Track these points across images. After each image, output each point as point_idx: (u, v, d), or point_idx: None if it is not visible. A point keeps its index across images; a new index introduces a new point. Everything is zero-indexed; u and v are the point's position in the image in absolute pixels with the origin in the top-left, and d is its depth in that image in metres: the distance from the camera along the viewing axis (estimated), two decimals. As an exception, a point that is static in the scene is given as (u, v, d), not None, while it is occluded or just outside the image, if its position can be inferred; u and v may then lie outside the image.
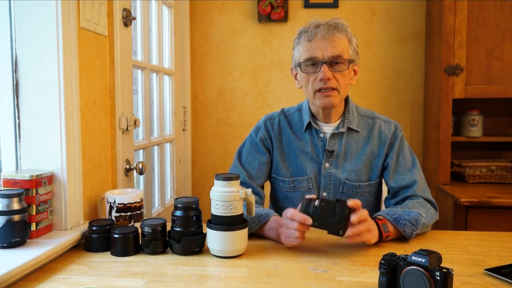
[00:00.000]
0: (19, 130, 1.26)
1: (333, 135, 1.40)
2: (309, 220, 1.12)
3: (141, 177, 1.94)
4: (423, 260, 0.83)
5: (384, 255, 0.90)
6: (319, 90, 1.32)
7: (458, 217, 1.99)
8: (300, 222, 1.13)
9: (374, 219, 1.22)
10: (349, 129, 1.41)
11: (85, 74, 1.35)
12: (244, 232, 1.14)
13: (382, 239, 1.21)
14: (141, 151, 1.97)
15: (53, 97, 1.23)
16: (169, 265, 1.08)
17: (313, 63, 1.32)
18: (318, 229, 1.15)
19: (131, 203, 1.31)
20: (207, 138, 2.68)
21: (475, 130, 2.28)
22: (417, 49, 2.56)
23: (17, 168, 1.27)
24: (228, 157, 2.66)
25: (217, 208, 1.13)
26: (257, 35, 2.60)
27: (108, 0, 1.50)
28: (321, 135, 1.41)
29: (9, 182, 1.16)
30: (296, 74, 1.41)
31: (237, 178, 1.14)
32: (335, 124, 1.42)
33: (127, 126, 1.61)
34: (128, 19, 1.63)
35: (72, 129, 1.26)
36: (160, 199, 2.19)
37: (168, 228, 1.19)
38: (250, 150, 1.47)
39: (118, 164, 1.57)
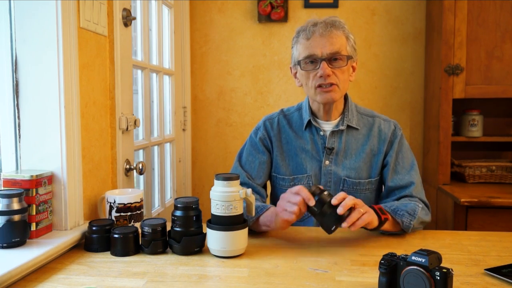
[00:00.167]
0: (19, 130, 1.26)
1: (333, 132, 1.42)
2: (312, 201, 1.13)
3: (141, 177, 1.94)
4: (423, 260, 0.83)
5: (384, 255, 0.90)
6: (319, 86, 1.34)
7: (458, 217, 1.99)
8: (303, 199, 1.14)
9: (371, 207, 1.23)
10: (348, 127, 1.42)
11: (85, 74, 1.35)
12: (244, 232, 1.14)
13: (381, 222, 1.21)
14: (141, 151, 1.97)
15: (53, 97, 1.23)
16: (169, 265, 1.08)
17: (312, 60, 1.34)
18: (313, 217, 1.16)
19: (131, 203, 1.31)
20: (207, 138, 2.68)
21: (475, 130, 2.28)
22: (417, 49, 2.56)
23: (17, 168, 1.27)
24: (228, 157, 2.66)
25: (217, 208, 1.13)
26: (257, 35, 2.60)
27: (108, 0, 1.50)
28: (321, 133, 1.43)
29: (9, 182, 1.16)
30: (296, 72, 1.44)
31: (237, 178, 1.14)
32: (335, 121, 1.43)
33: (127, 126, 1.61)
34: (128, 19, 1.63)
35: (72, 129, 1.26)
36: (160, 199, 2.19)
37: (168, 228, 1.19)
38: (250, 151, 1.48)
39: (118, 164, 1.57)
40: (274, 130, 1.48)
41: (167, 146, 2.34)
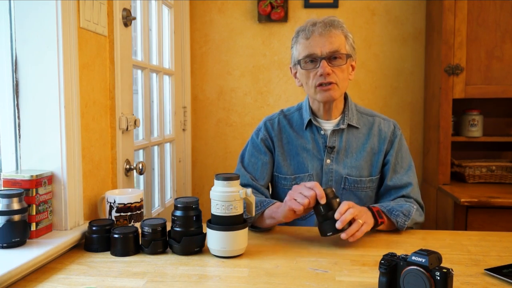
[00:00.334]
0: (19, 130, 1.26)
1: (333, 131, 1.43)
2: (324, 200, 1.16)
3: (141, 177, 1.94)
4: (423, 260, 0.83)
5: (384, 255, 0.90)
6: (320, 85, 1.36)
7: (458, 217, 1.99)
8: (316, 194, 1.16)
9: (369, 208, 1.27)
10: (349, 125, 1.44)
11: (85, 74, 1.35)
12: (244, 232, 1.14)
13: (376, 225, 1.25)
14: (141, 151, 1.97)
15: (53, 97, 1.23)
16: (169, 265, 1.08)
17: (312, 59, 1.36)
18: (316, 215, 1.19)
19: (131, 203, 1.31)
20: (207, 138, 2.68)
21: (475, 130, 2.28)
22: (417, 49, 2.56)
23: (17, 168, 1.27)
24: (228, 157, 2.66)
25: (217, 208, 1.13)
26: (257, 35, 2.60)
27: (108, 0, 1.50)
28: (322, 132, 1.44)
29: (9, 182, 1.16)
30: (296, 72, 1.45)
31: (237, 178, 1.14)
32: (336, 121, 1.45)
33: (127, 126, 1.61)
34: (128, 19, 1.63)
35: (72, 129, 1.26)
36: (160, 199, 2.19)
37: (168, 228, 1.19)
38: (252, 152, 1.50)
39: (118, 164, 1.57)
40: (275, 130, 1.49)
41: (167, 146, 2.34)
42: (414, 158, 1.70)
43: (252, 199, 1.17)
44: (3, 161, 1.28)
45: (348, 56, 1.37)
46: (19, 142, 1.26)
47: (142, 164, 1.67)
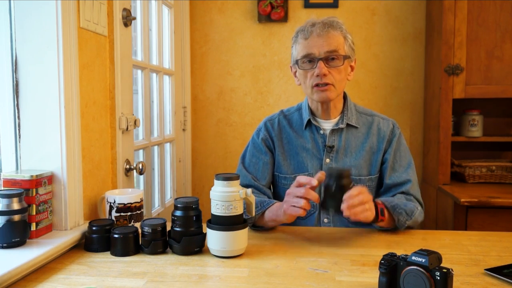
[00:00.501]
0: (19, 130, 1.26)
1: (332, 131, 1.44)
2: (315, 181, 1.17)
3: (141, 177, 1.94)
4: (423, 260, 0.83)
5: (384, 255, 0.90)
6: (316, 85, 1.37)
7: (458, 217, 1.99)
8: (307, 186, 1.17)
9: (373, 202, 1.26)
10: (348, 125, 1.45)
11: (85, 74, 1.35)
12: (244, 232, 1.14)
13: (376, 221, 1.25)
14: (141, 151, 1.97)
15: (53, 97, 1.23)
16: (169, 265, 1.08)
17: (310, 59, 1.37)
18: (324, 191, 1.18)
19: (131, 203, 1.31)
20: (207, 138, 2.68)
21: (475, 130, 2.28)
22: (417, 49, 2.56)
23: (17, 168, 1.27)
24: (228, 157, 2.66)
25: (217, 208, 1.13)
26: (257, 35, 2.60)
27: (108, 0, 1.50)
28: (321, 131, 1.45)
29: (9, 182, 1.16)
30: (296, 71, 1.46)
31: (237, 178, 1.14)
32: (335, 120, 1.46)
33: (127, 126, 1.61)
34: (128, 19, 1.63)
35: (72, 129, 1.26)
36: (160, 199, 2.19)
37: (168, 228, 1.19)
38: (253, 152, 1.51)
39: (118, 164, 1.57)
40: (275, 130, 1.50)
41: (167, 146, 2.34)
42: (414, 158, 1.70)
43: (252, 199, 1.17)
44: (3, 161, 1.28)
45: (346, 57, 1.37)
46: (19, 142, 1.26)
47: (142, 164, 1.67)
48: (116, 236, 1.15)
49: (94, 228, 1.19)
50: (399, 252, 0.94)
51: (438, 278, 0.81)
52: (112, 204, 1.30)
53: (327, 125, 1.46)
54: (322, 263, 1.09)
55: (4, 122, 1.27)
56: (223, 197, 1.12)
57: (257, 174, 1.48)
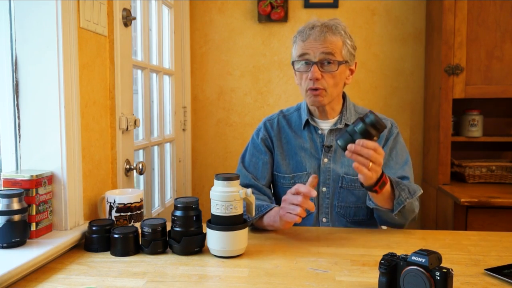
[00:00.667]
0: (19, 130, 1.26)
1: (331, 131, 1.44)
2: (314, 192, 1.15)
3: (141, 177, 1.94)
4: (423, 260, 0.83)
5: (384, 255, 0.90)
6: (310, 89, 1.37)
7: (458, 217, 1.99)
8: (304, 196, 1.16)
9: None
10: (346, 125, 1.44)
11: (85, 74, 1.35)
12: (244, 232, 1.14)
13: (377, 182, 1.19)
14: (141, 151, 1.97)
15: (53, 97, 1.23)
16: (169, 265, 1.08)
17: (306, 62, 1.38)
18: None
19: (131, 203, 1.31)
20: (207, 138, 2.68)
21: (475, 130, 2.28)
22: (417, 49, 2.56)
23: (17, 168, 1.27)
24: (228, 157, 2.66)
25: (217, 208, 1.13)
26: (257, 35, 2.60)
27: (108, 0, 1.50)
28: (319, 131, 1.46)
29: (9, 182, 1.16)
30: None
31: (237, 178, 1.14)
32: (333, 120, 1.46)
33: (127, 126, 1.61)
34: (128, 19, 1.63)
35: (72, 129, 1.26)
36: (160, 199, 2.19)
37: (168, 228, 1.19)
38: (253, 152, 1.51)
39: (118, 164, 1.57)
40: (275, 130, 1.51)
41: (167, 146, 2.34)
42: (414, 158, 1.70)
43: (252, 199, 1.17)
44: (3, 161, 1.28)
45: (341, 62, 1.37)
46: (19, 142, 1.26)
47: (142, 164, 1.67)
48: (116, 236, 1.15)
49: (94, 228, 1.19)
50: (399, 252, 0.94)
51: (438, 278, 0.81)
52: (112, 204, 1.30)
53: (325, 125, 1.46)
54: (322, 263, 1.09)
55: (4, 122, 1.27)
56: (223, 197, 1.12)
57: (257, 173, 1.48)
